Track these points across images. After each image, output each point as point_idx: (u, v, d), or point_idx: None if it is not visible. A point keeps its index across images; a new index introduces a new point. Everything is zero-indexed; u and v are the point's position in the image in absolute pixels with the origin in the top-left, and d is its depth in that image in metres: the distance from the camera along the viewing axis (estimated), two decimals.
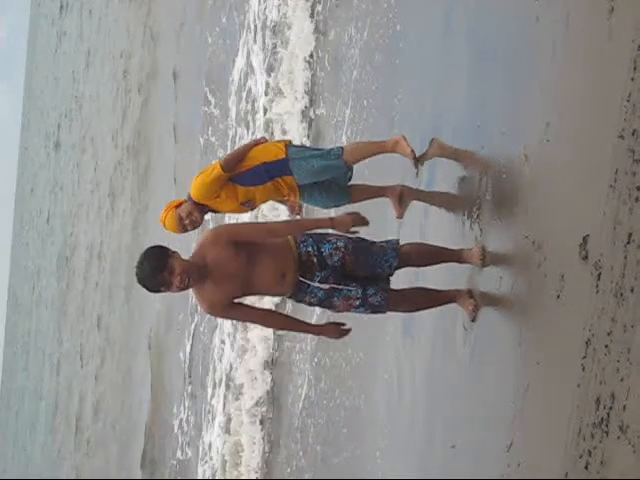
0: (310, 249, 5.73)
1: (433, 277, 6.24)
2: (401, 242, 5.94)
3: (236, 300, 5.75)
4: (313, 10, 11.93)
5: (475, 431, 5.77)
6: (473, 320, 5.80)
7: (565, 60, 4.92)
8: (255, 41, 13.83)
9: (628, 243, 3.89)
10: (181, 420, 15.41)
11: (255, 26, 13.86)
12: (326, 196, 7.01)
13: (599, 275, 4.10)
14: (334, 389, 9.58)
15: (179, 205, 6.85)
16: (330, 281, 5.71)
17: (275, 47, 12.94)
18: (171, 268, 5.45)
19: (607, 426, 3.88)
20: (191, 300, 14.80)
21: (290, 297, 5.84)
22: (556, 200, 4.85)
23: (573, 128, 4.71)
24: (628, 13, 4.14)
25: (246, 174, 6.77)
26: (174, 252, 5.54)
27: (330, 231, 5.84)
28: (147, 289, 5.57)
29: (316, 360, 10.26)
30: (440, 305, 5.98)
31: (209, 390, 14.12)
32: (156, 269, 5.44)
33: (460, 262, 5.90)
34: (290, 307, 10.35)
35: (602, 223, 4.10)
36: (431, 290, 5.95)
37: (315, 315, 9.11)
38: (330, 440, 9.53)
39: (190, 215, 6.79)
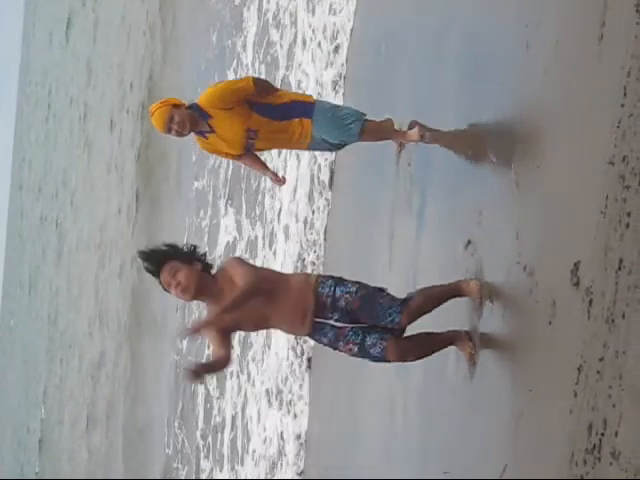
0: (328, 290, 5.71)
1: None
2: (407, 291, 5.85)
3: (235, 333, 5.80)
4: None
5: (468, 457, 5.75)
6: (473, 365, 5.74)
7: (555, 86, 4.95)
8: None
9: (619, 269, 3.89)
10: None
11: None
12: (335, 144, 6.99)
13: (590, 301, 4.10)
14: (329, 416, 9.56)
15: (177, 105, 6.68)
16: (343, 322, 5.71)
17: None
18: (176, 269, 5.57)
19: (599, 452, 3.87)
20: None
21: (308, 335, 5.84)
22: (547, 226, 4.86)
23: (563, 154, 4.73)
24: (617, 40, 4.16)
25: (269, 106, 6.70)
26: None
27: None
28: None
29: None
30: (443, 347, 5.89)
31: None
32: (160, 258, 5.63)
33: (460, 296, 5.87)
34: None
35: (593, 249, 4.11)
36: (433, 333, 5.86)
37: None
38: (322, 465, 9.50)
39: (183, 122, 6.63)
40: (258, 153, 7.23)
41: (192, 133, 6.85)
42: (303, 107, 6.77)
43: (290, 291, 5.69)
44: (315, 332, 5.78)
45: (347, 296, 5.68)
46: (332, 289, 5.70)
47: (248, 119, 6.67)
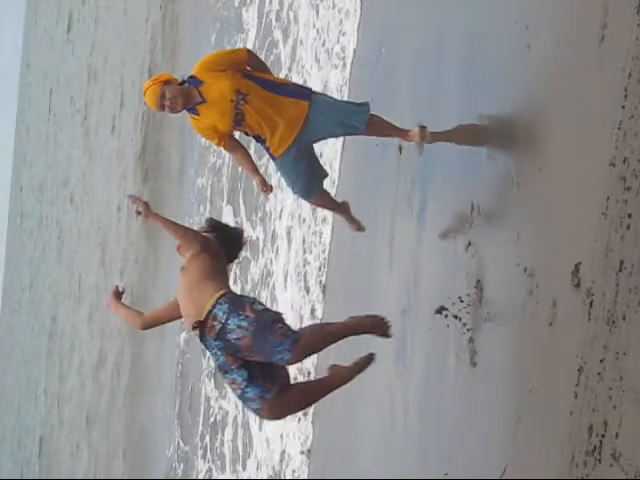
0: (220, 314, 5.41)
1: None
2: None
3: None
4: None
5: (468, 457, 5.76)
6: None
7: (556, 88, 4.95)
8: None
9: (620, 270, 3.90)
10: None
11: None
12: (303, 180, 6.82)
13: (591, 302, 4.10)
14: (329, 416, 9.55)
15: (168, 81, 6.58)
16: (221, 352, 5.44)
17: None
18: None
19: (600, 454, 3.88)
20: None
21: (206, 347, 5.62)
22: (548, 227, 4.86)
23: (564, 155, 4.73)
24: (618, 41, 4.17)
25: (263, 79, 6.60)
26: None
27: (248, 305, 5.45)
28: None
29: None
30: (335, 389, 5.76)
31: None
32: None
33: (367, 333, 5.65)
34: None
35: (594, 251, 4.12)
36: (309, 382, 5.84)
37: None
38: (323, 469, 9.50)
39: (175, 98, 6.51)
40: (253, 154, 7.19)
41: (186, 112, 6.74)
42: (300, 90, 6.67)
43: (188, 290, 5.59)
44: (210, 348, 5.52)
45: (239, 331, 5.34)
46: (225, 315, 5.40)
47: (239, 82, 6.53)
